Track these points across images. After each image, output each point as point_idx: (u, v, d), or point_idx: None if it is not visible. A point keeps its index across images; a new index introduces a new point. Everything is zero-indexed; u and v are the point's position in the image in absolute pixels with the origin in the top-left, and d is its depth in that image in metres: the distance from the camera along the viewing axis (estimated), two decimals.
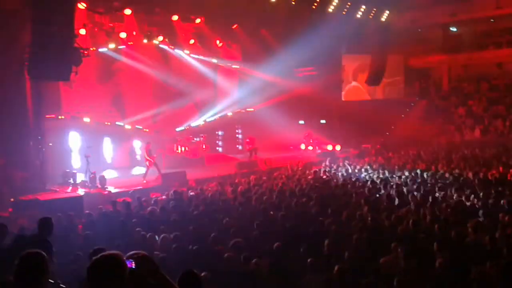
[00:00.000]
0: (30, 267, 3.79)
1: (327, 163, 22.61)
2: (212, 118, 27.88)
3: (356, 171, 19.61)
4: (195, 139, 26.20)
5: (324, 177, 18.14)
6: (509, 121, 29.24)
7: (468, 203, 12.12)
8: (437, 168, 18.67)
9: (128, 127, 23.93)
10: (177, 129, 26.47)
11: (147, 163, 19.91)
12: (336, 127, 31.00)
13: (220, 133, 29.90)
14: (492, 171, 17.03)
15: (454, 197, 12.93)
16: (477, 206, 11.70)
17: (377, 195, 13.61)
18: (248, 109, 29.21)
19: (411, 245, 8.17)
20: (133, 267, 3.44)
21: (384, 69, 28.56)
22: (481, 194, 12.67)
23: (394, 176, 17.65)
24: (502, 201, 11.43)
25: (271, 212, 11.65)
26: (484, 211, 10.77)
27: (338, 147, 28.94)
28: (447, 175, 16.71)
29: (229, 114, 28.58)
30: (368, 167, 20.20)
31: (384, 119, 30.35)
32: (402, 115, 33.35)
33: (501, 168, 17.59)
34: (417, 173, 17.49)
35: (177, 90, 25.21)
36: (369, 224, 10.00)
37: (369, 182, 15.93)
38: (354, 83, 32.18)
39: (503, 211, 10.53)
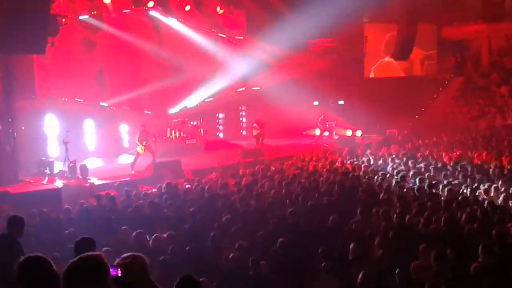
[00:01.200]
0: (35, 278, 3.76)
1: (346, 151, 22.58)
2: (212, 98, 27.88)
3: (381, 161, 19.58)
4: (191, 122, 26.21)
5: (343, 168, 18.12)
6: None
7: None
8: (474, 157, 18.62)
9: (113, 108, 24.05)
10: (171, 111, 26.49)
11: (139, 149, 19.90)
12: (356, 109, 30.94)
13: (221, 115, 29.93)
14: None
15: (493, 193, 12.91)
16: None
17: (405, 190, 13.60)
18: (253, 88, 29.18)
19: (444, 246, 8.18)
20: (119, 274, 3.48)
21: (413, 41, 28.34)
22: None
23: (425, 167, 17.61)
24: None
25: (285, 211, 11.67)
26: None
27: (359, 133, 28.91)
28: (486, 166, 16.68)
29: (232, 93, 28.56)
30: (394, 156, 20.16)
31: (413, 99, 30.27)
32: (435, 95, 33.23)
33: None
34: (451, 163, 17.45)
35: (170, 65, 25.20)
36: (396, 223, 10.02)
37: (396, 175, 15.94)
38: (387, 59, 31.79)
39: None
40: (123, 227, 10.24)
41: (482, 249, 7.85)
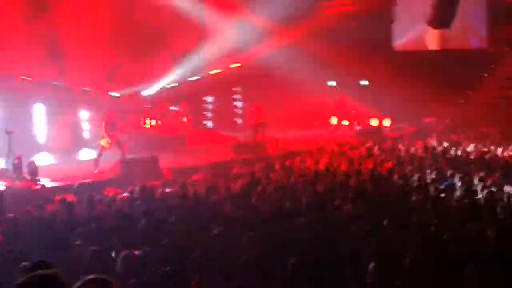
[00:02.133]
0: None
1: (370, 145, 22.62)
2: (197, 76, 27.87)
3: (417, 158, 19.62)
4: (171, 108, 26.23)
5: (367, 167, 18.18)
6: None
7: None
8: None
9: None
10: (144, 93, 26.49)
11: (104, 142, 19.87)
12: (384, 92, 30.99)
13: (209, 99, 29.95)
14: None
15: None
16: None
17: (442, 195, 13.68)
18: (251, 63, 29.20)
19: (492, 269, 8.24)
20: None
21: (455, 3, 28.35)
22: None
23: (471, 166, 17.68)
24: None
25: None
26: None
27: (387, 122, 28.98)
28: None
29: (222, 70, 28.55)
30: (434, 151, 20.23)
31: (457, 79, 30.32)
32: (485, 74, 33.26)
33: None
34: (505, 163, 17.51)
35: (144, 32, 25.17)
36: (432, 238, 10.06)
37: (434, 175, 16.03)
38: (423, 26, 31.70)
39: None
40: (76, 242, 10.23)
41: None
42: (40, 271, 3.83)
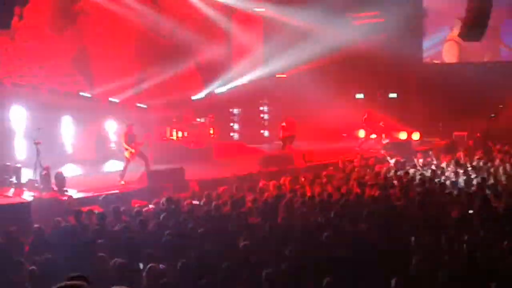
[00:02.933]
0: None
1: (398, 160, 22.49)
2: (225, 89, 27.94)
3: (448, 173, 19.51)
4: (198, 119, 26.29)
5: (395, 181, 18.09)
6: None
7: None
8: None
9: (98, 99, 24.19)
10: (172, 104, 26.59)
11: (127, 153, 20.01)
12: (413, 105, 30.85)
13: (236, 111, 29.96)
14: None
15: None
16: None
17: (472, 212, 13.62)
18: (278, 75, 29.21)
19: None
20: None
21: (488, 12, 27.97)
22: None
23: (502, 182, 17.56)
24: None
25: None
26: None
27: (416, 135, 28.81)
28: None
29: (250, 82, 28.59)
30: (468, 167, 20.07)
31: (488, 92, 30.04)
32: None
33: None
34: None
35: (171, 44, 25.31)
36: (462, 258, 10.03)
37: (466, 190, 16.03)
38: (454, 36, 31.41)
39: None
40: (100, 254, 10.28)
41: None
42: (68, 282, 3.88)
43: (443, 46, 32.29)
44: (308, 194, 16.05)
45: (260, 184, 17.96)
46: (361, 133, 28.29)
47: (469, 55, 32.40)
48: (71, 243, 11.51)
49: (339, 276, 9.20)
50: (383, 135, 28.02)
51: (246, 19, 28.89)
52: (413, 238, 10.96)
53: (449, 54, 32.50)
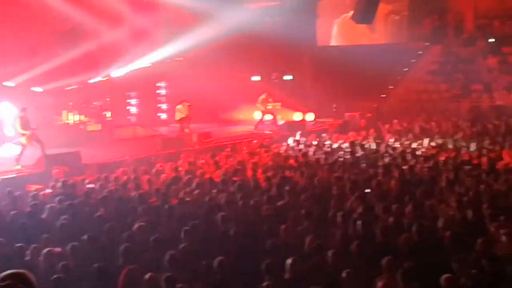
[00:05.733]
0: None
1: (294, 140, 22.81)
2: (122, 72, 27.62)
3: (342, 152, 19.92)
4: (94, 103, 25.92)
5: (290, 161, 18.38)
6: None
7: None
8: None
9: None
10: (68, 88, 26.10)
11: (23, 139, 19.55)
12: (308, 87, 31.29)
13: (133, 94, 29.67)
14: None
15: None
16: None
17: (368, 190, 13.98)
18: (176, 58, 29.07)
19: (415, 260, 8.48)
20: None
21: None
22: None
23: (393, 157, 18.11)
24: None
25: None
26: None
27: (310, 116, 29.22)
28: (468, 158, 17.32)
29: (147, 65, 28.36)
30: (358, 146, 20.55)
31: (380, 74, 30.78)
32: (405, 69, 33.87)
33: None
34: (427, 156, 17.94)
35: (68, 28, 24.80)
36: (358, 231, 10.27)
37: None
38: (344, 17, 31.96)
39: None
40: None
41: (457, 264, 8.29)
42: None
43: (336, 29, 32.84)
44: (206, 176, 16.12)
45: (158, 166, 17.92)
46: (257, 115, 28.46)
47: (361, 37, 33.11)
48: None
49: (232, 254, 9.35)
50: (279, 117, 28.31)
51: (143, 2, 28.57)
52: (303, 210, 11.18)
53: (341, 37, 33.11)
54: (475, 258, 8.66)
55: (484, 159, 16.81)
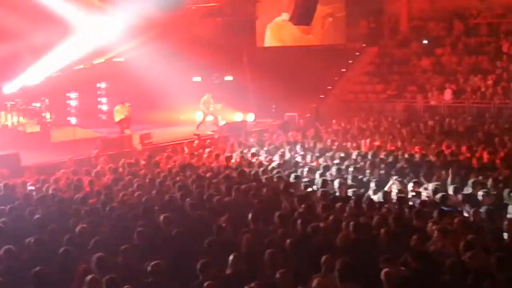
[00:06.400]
0: None
1: (235, 140, 22.88)
2: (61, 73, 27.29)
3: (280, 152, 20.03)
4: (33, 104, 25.59)
5: (229, 162, 18.48)
6: (492, 79, 30.66)
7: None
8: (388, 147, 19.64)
9: None
10: (5, 90, 25.70)
11: None
12: (248, 87, 31.40)
13: (73, 95, 29.37)
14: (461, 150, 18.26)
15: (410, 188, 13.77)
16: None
17: (309, 189, 14.14)
18: (115, 59, 28.87)
19: (351, 258, 8.65)
20: None
21: (316, 1, 28.92)
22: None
23: (332, 159, 18.32)
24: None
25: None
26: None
27: (250, 117, 29.34)
28: (401, 155, 17.72)
29: (86, 66, 28.09)
30: (299, 146, 20.71)
31: (319, 75, 31.09)
32: (343, 69, 34.28)
33: (480, 149, 18.57)
34: (364, 154, 18.24)
35: (2, 29, 24.42)
36: (298, 231, 10.40)
37: (300, 170, 16.74)
38: (283, 18, 32.09)
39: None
40: None
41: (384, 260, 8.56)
42: None
43: (269, 32, 33.01)
44: (148, 176, 16.11)
45: (99, 167, 17.81)
46: (199, 115, 28.48)
47: (298, 40, 33.36)
48: None
49: (173, 255, 9.40)
50: (220, 117, 28.38)
51: (80, 2, 28.21)
52: (250, 215, 11.24)
53: (275, 39, 33.34)
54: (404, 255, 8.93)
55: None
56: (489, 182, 13.66)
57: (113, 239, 10.49)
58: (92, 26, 27.53)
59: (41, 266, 8.84)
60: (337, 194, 13.66)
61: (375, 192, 13.75)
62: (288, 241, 9.67)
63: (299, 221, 10.65)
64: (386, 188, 13.88)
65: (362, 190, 14.04)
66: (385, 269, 8.12)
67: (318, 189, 14.20)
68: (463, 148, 18.57)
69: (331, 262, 8.52)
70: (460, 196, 12.82)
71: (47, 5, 25.76)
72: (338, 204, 11.95)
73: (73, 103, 29.51)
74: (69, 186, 15.20)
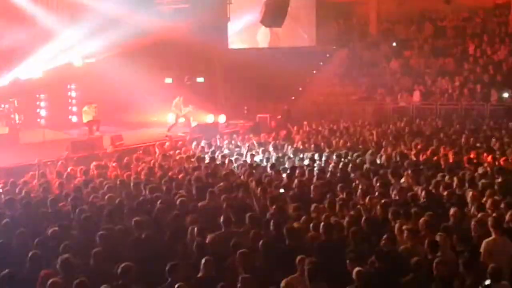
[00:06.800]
0: None
1: (205, 142, 22.84)
2: (31, 74, 27.05)
3: (253, 152, 20.10)
4: (2, 105, 25.35)
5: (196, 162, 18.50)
6: (459, 81, 31.03)
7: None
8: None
9: None
10: None
11: None
12: (219, 89, 31.38)
13: (42, 96, 29.11)
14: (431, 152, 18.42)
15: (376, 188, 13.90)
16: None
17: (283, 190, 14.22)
18: (86, 60, 28.68)
19: (321, 258, 8.69)
20: None
21: (287, 3, 29.02)
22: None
23: (302, 159, 18.44)
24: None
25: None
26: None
27: (222, 118, 29.32)
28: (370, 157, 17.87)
29: (56, 67, 27.86)
30: (270, 147, 20.78)
31: (290, 77, 31.15)
32: (314, 71, 34.39)
33: (447, 151, 18.72)
34: (338, 155, 18.34)
35: None
36: (271, 233, 10.44)
37: (269, 169, 16.86)
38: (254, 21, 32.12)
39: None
40: None
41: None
42: None
43: (246, 32, 33.02)
44: (121, 177, 16.04)
45: (68, 170, 17.69)
46: (171, 117, 28.38)
47: (271, 41, 33.42)
48: None
49: (144, 258, 9.38)
50: (191, 119, 28.29)
51: (52, 2, 28.02)
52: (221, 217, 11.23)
53: (246, 40, 33.44)
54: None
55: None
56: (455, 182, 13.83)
57: (83, 241, 10.43)
58: (62, 28, 27.38)
59: (10, 270, 8.77)
60: None
61: None
62: (260, 242, 9.70)
63: (271, 222, 10.68)
64: None
65: None
66: (357, 269, 8.18)
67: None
68: (430, 149, 18.77)
69: (302, 263, 8.57)
70: None
71: (16, 7, 25.61)
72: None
73: (43, 104, 29.18)
74: (38, 188, 15.09)
